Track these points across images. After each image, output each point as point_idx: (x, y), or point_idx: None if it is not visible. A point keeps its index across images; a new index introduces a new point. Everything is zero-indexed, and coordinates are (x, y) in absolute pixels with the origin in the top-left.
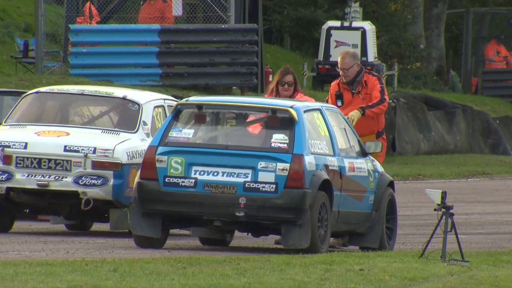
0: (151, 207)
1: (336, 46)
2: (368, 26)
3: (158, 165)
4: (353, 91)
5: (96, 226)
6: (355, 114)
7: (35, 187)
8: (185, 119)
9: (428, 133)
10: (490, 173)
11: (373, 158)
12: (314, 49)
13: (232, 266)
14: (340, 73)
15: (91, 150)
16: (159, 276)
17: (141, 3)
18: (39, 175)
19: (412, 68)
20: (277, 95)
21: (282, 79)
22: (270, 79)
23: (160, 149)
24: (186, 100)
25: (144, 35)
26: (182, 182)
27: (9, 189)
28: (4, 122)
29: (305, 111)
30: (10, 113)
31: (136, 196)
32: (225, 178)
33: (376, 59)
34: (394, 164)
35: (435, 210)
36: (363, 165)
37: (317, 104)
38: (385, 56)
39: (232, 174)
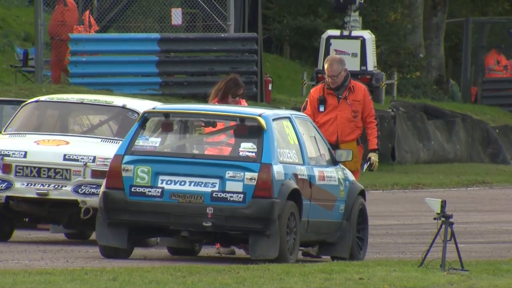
0: (117, 217)
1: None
2: (368, 35)
3: (124, 174)
4: (339, 96)
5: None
6: (375, 158)
7: (35, 196)
8: (152, 128)
9: (428, 142)
10: (490, 182)
11: (343, 167)
12: (314, 58)
13: (231, 275)
14: (328, 80)
15: (90, 159)
16: (159, 285)
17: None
18: (38, 184)
19: (412, 77)
20: (224, 103)
21: (236, 92)
22: (270, 88)
23: (126, 158)
24: (153, 108)
25: (144, 44)
26: (148, 191)
27: (8, 198)
28: (4, 131)
29: (274, 119)
30: (10, 122)
31: (102, 206)
32: (192, 188)
33: (376, 68)
34: (393, 173)
35: (434, 219)
36: (334, 173)
37: (287, 112)
38: (384, 65)
39: (200, 183)
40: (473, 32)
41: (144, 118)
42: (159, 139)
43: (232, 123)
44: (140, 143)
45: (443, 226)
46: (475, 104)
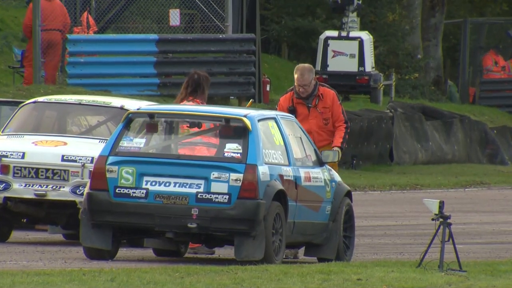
0: (102, 219)
1: (333, 56)
2: (366, 36)
3: (108, 175)
4: (309, 105)
5: None
6: (337, 150)
7: (33, 197)
8: (136, 128)
9: (426, 143)
10: (488, 183)
11: (330, 168)
12: (312, 59)
13: (229, 276)
14: (299, 90)
15: (88, 160)
16: (157, 285)
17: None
18: (36, 185)
19: (410, 78)
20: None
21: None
22: (268, 88)
23: (111, 159)
24: (138, 109)
25: (142, 45)
26: (133, 193)
27: (6, 199)
28: (2, 132)
29: (259, 120)
30: (8, 123)
31: (86, 207)
32: (177, 189)
33: (374, 69)
34: (391, 173)
35: (432, 219)
36: (320, 174)
37: (272, 113)
38: (382, 66)
39: (184, 184)
40: (471, 33)
41: (129, 119)
42: (143, 140)
43: (217, 123)
44: (125, 144)
45: (441, 226)
46: (473, 105)
